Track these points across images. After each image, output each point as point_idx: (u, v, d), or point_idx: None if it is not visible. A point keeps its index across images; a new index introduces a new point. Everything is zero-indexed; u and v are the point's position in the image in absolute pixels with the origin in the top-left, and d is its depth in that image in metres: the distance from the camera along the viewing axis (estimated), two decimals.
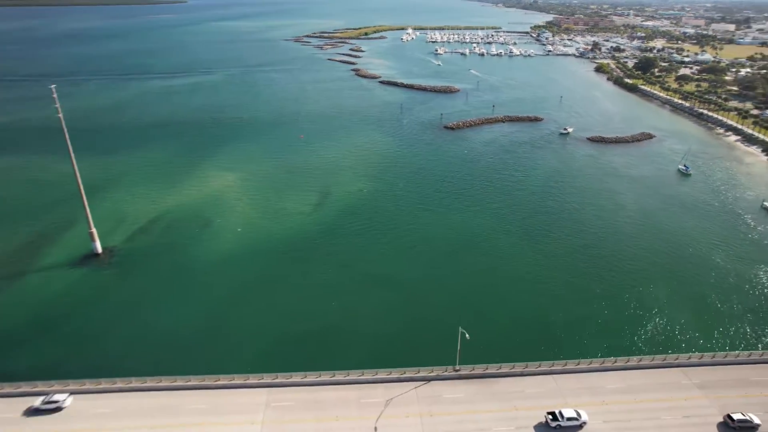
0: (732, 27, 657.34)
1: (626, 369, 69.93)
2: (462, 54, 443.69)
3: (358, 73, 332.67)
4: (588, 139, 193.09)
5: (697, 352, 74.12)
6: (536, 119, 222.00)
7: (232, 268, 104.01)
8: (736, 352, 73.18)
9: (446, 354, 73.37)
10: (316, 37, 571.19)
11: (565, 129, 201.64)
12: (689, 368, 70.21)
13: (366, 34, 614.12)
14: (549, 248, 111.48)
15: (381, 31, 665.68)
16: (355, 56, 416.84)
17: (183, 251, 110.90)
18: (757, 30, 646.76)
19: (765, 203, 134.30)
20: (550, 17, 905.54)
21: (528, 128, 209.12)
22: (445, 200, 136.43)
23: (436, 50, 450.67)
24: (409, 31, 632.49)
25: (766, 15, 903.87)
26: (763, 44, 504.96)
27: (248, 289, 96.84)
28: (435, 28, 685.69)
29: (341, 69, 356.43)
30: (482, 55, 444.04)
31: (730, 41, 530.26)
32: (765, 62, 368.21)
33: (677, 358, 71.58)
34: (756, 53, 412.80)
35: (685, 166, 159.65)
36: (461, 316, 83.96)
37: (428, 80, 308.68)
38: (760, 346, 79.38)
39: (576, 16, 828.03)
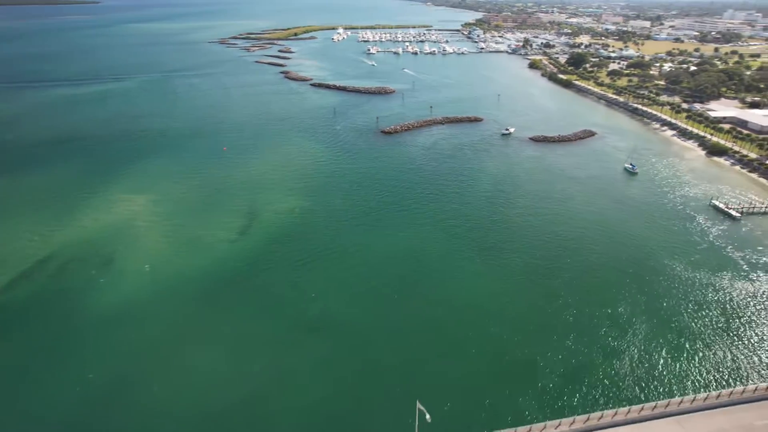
0: (648, 24, 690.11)
1: (614, 426, 58.81)
2: (395, 53, 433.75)
3: (288, 76, 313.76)
4: (531, 139, 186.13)
5: (689, 395, 64.31)
6: (476, 120, 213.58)
7: (137, 320, 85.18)
8: (730, 390, 64.05)
9: None
10: (243, 38, 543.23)
11: (507, 129, 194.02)
12: (683, 416, 60.18)
13: (296, 34, 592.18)
14: (507, 268, 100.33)
15: (311, 31, 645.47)
16: (285, 58, 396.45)
17: (76, 300, 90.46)
18: (669, 26, 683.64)
19: (713, 201, 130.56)
20: (479, 15, 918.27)
21: (469, 129, 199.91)
22: (389, 216, 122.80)
23: (369, 50, 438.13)
24: (340, 30, 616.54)
25: (673, 13, 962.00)
26: (677, 40, 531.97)
27: (156, 348, 78.74)
28: (366, 27, 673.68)
29: (269, 72, 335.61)
30: (415, 53, 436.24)
31: (648, 37, 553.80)
32: (683, 57, 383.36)
33: (668, 405, 61.39)
34: (673, 48, 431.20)
35: (631, 164, 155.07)
36: (417, 377, 70.72)
37: (362, 81, 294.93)
38: (756, 377, 71.03)
39: (504, 13, 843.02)
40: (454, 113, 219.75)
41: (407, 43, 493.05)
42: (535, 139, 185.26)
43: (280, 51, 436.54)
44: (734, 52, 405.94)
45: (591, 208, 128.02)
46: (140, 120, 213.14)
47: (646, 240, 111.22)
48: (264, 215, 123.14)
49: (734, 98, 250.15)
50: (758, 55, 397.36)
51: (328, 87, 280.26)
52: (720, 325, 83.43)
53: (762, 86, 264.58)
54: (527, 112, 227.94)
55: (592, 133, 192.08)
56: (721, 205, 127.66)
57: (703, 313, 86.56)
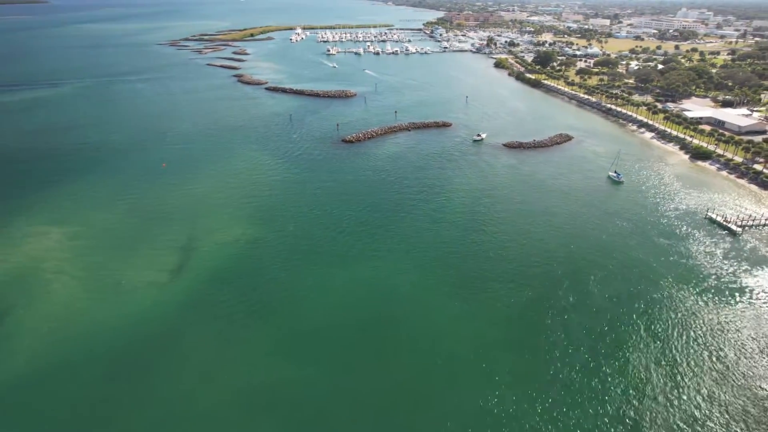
0: (607, 22, 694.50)
1: None
2: (356, 53, 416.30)
3: (242, 80, 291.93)
4: (504, 145, 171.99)
5: None
6: (444, 125, 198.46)
7: (25, 406, 65.34)
8: None
9: None
10: (196, 39, 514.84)
11: (479, 135, 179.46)
12: None
13: (252, 35, 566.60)
14: (494, 306, 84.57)
15: (269, 31, 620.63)
16: (239, 60, 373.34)
17: None
18: (628, 25, 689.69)
19: (709, 214, 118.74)
20: (440, 14, 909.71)
21: (437, 136, 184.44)
22: (351, 244, 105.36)
23: (328, 50, 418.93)
24: (299, 30, 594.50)
25: (629, 12, 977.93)
26: (637, 38, 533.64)
27: None
28: (326, 27, 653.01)
29: (222, 75, 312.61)
30: (377, 53, 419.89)
31: (609, 35, 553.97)
32: (647, 55, 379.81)
33: None
34: (636, 46, 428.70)
35: (616, 173, 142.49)
36: None
37: (321, 84, 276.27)
38: None
39: (465, 12, 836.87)
40: (421, 118, 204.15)
41: (368, 43, 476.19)
42: (510, 146, 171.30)
43: (234, 53, 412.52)
44: (694, 50, 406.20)
45: (579, 226, 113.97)
46: (71, 132, 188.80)
47: (647, 265, 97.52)
48: (203, 248, 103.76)
49: (705, 97, 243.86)
50: (718, 53, 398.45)
51: (284, 91, 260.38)
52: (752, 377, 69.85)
53: (730, 84, 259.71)
54: (498, 115, 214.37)
55: (568, 138, 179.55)
56: (719, 218, 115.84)
57: (729, 363, 72.88)
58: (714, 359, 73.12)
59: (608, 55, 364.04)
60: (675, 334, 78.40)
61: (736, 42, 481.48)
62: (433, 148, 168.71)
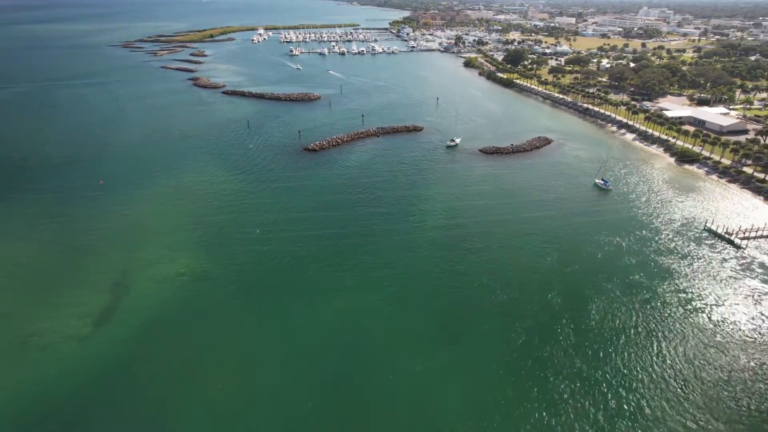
0: (573, 20, 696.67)
1: None
2: (321, 54, 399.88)
3: (197, 83, 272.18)
4: (481, 151, 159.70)
5: None
6: (415, 129, 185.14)
7: None
8: None
9: None
10: (151, 41, 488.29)
11: (452, 140, 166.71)
12: None
13: (211, 36, 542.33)
14: (485, 355, 71.15)
15: (229, 32, 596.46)
16: (196, 62, 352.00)
17: None
18: (593, 23, 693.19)
19: (708, 225, 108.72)
20: (406, 13, 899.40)
21: (408, 142, 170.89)
22: (312, 277, 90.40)
23: (291, 51, 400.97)
24: (261, 31, 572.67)
25: (591, 10, 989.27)
26: (604, 36, 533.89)
27: None
28: (289, 28, 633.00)
29: (176, 78, 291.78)
30: (343, 54, 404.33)
31: (576, 33, 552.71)
32: (617, 53, 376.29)
33: None
34: (604, 44, 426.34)
35: (603, 180, 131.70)
36: None
37: (283, 87, 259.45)
38: None
39: (432, 11, 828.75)
40: (390, 122, 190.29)
41: (333, 43, 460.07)
42: (486, 151, 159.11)
43: (192, 55, 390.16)
44: (661, 47, 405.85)
45: (571, 243, 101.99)
46: None
47: (650, 291, 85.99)
48: (138, 286, 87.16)
49: (679, 95, 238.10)
50: (684, 50, 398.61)
51: (243, 95, 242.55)
52: None
53: (702, 81, 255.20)
54: (471, 118, 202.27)
55: (548, 141, 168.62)
56: (720, 230, 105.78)
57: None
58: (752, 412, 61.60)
59: (578, 53, 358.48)
60: (696, 383, 66.64)
61: (699, 40, 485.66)
62: (405, 156, 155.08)
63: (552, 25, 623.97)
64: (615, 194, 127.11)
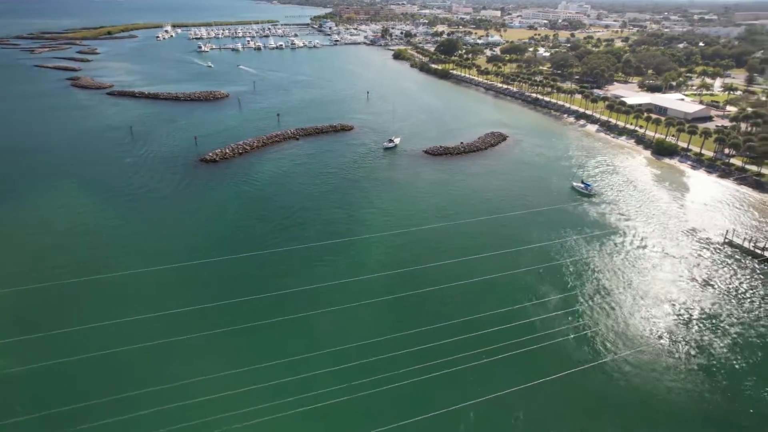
0: (498, 13, 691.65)
1: None
2: (234, 50, 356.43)
3: (77, 83, 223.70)
4: (426, 152, 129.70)
5: None
6: (344, 128, 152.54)
7: None
8: None
9: None
10: (32, 38, 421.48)
11: (390, 141, 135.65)
12: None
13: (110, 33, 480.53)
14: None
15: (134, 29, 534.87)
16: (83, 60, 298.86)
17: None
18: (518, 16, 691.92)
19: (729, 237, 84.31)
20: (328, 9, 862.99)
21: (336, 144, 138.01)
22: (202, 368, 55.46)
23: (200, 47, 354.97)
24: (168, 28, 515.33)
25: (512, 6, 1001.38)
26: (531, 27, 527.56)
27: None
28: (201, 25, 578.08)
29: (52, 79, 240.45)
30: (259, 49, 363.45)
31: (503, 25, 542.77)
32: (552, 42, 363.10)
33: None
34: (535, 34, 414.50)
35: (583, 183, 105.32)
36: None
37: (186, 85, 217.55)
38: None
39: (354, 7, 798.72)
40: (313, 121, 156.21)
41: (249, 39, 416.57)
42: (432, 153, 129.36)
43: (79, 52, 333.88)
44: (590, 37, 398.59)
45: (561, 274, 73.39)
46: None
47: (688, 341, 58.67)
48: None
49: (626, 82, 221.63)
50: (612, 40, 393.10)
51: (133, 95, 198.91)
52: None
53: (642, 68, 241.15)
54: (410, 114, 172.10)
55: (503, 137, 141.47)
56: (746, 244, 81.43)
57: None
58: None
59: (512, 42, 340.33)
60: None
61: (621, 31, 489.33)
62: (332, 162, 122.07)
63: (479, 17, 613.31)
64: (598, 199, 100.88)
